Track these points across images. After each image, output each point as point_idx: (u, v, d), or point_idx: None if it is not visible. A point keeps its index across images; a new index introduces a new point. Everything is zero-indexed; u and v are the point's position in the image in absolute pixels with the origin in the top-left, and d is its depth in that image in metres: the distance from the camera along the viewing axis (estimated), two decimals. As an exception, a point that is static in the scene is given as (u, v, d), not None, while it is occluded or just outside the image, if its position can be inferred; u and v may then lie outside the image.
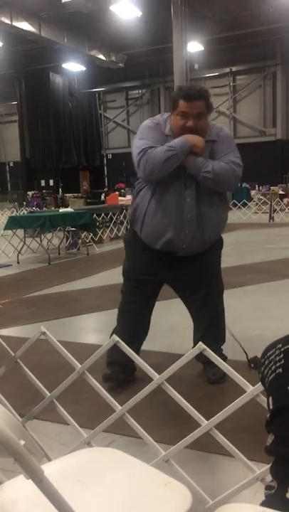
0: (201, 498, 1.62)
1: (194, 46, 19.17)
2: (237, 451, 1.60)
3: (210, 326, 2.98)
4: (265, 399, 1.22)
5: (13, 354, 1.99)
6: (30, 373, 1.98)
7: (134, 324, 2.97)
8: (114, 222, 11.30)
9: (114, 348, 1.86)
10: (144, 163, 2.59)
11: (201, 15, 17.90)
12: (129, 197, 14.60)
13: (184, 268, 2.84)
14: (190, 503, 1.07)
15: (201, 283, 2.92)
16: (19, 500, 1.12)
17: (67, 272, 7.24)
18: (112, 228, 11.15)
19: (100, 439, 2.13)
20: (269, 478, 0.95)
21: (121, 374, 2.85)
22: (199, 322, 3.03)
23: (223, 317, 3.09)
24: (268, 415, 0.92)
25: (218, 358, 1.63)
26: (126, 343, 1.80)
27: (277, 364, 0.92)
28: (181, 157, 2.55)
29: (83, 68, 24.25)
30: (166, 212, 2.67)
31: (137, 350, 2.72)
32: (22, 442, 0.77)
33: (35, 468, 0.79)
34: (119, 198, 12.88)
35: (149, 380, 1.76)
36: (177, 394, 1.68)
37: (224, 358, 2.82)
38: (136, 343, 2.83)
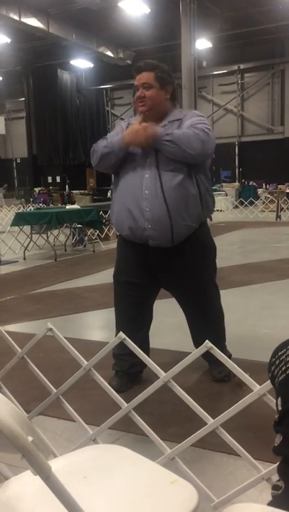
0: (206, 497, 1.62)
1: (202, 43, 19.09)
2: (243, 450, 1.59)
3: (208, 330, 2.90)
4: (272, 398, 1.21)
5: (19, 350, 1.99)
6: (36, 369, 1.99)
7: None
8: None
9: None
10: (91, 155, 2.74)
11: (209, 12, 17.82)
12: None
13: (170, 270, 2.78)
14: (196, 501, 1.06)
15: (193, 286, 2.85)
16: (25, 496, 1.12)
17: (73, 269, 7.26)
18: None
19: (106, 436, 2.13)
20: (276, 477, 0.94)
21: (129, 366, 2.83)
22: (196, 325, 3.02)
23: (220, 319, 3.05)
24: (276, 416, 0.91)
25: (224, 355, 1.63)
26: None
27: (288, 365, 0.91)
28: (118, 153, 2.62)
29: (91, 65, 24.24)
30: (126, 192, 2.66)
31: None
32: (30, 438, 0.77)
33: (42, 465, 0.79)
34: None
35: (155, 377, 1.76)
36: (183, 392, 1.67)
37: (229, 356, 2.80)
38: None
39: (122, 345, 1.86)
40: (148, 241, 2.67)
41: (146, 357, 1.74)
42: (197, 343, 2.90)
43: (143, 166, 2.62)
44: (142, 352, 1.78)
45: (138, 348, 1.79)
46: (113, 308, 4.12)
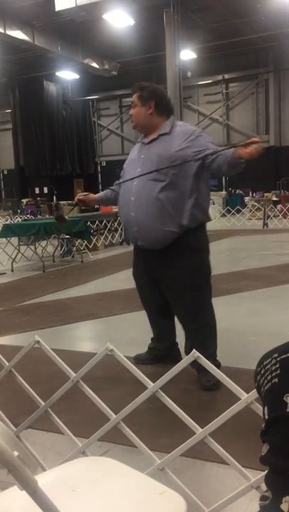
0: (196, 506, 1.62)
1: (187, 54, 19.31)
2: (232, 458, 1.60)
3: (197, 334, 3.03)
4: (260, 406, 1.22)
5: (7, 363, 1.98)
6: (24, 382, 1.97)
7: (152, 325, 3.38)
8: (109, 229, 11.31)
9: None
10: None
11: (193, 23, 18.04)
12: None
13: (162, 270, 3.01)
14: (184, 511, 1.06)
15: (181, 290, 2.97)
16: (13, 511, 1.11)
17: (61, 280, 7.23)
18: (106, 235, 11.15)
19: (95, 448, 2.12)
20: (264, 487, 0.95)
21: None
22: (185, 329, 3.11)
23: (210, 324, 3.08)
24: (263, 425, 0.92)
25: (212, 365, 1.63)
26: None
27: (273, 374, 0.91)
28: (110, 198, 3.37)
29: (77, 76, 24.36)
30: (121, 199, 3.08)
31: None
32: (16, 453, 0.77)
33: (28, 480, 0.79)
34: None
35: (144, 387, 1.76)
36: (171, 402, 1.68)
37: (217, 365, 2.87)
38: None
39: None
40: (137, 242, 3.01)
41: (134, 367, 1.74)
42: (185, 347, 3.04)
43: (133, 176, 2.94)
44: (128, 362, 1.78)
45: (125, 359, 1.79)
46: (102, 319, 4.14)
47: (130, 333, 4.34)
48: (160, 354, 3.32)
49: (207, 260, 3.04)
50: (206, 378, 2.83)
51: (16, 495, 1.14)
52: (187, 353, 2.94)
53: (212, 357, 2.96)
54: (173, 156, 2.82)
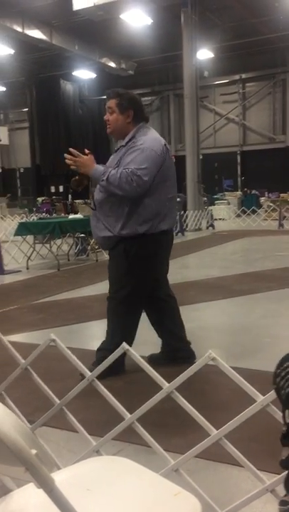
0: (210, 508, 1.61)
1: (204, 53, 19.23)
2: (247, 461, 1.59)
3: (109, 325, 3.29)
4: (276, 409, 1.20)
5: (22, 361, 1.99)
6: (39, 380, 1.99)
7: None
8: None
9: None
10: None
11: (211, 22, 17.97)
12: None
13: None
14: (200, 513, 1.06)
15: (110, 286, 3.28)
16: (29, 509, 1.12)
17: (76, 279, 7.26)
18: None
19: (109, 447, 2.12)
20: (280, 489, 0.94)
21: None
22: None
23: (117, 320, 3.25)
24: (284, 428, 0.90)
25: (228, 367, 1.62)
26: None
27: None
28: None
29: (93, 75, 24.42)
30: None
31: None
32: (33, 451, 0.77)
33: (46, 478, 0.79)
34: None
35: (158, 387, 1.75)
36: (187, 403, 1.67)
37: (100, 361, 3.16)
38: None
39: None
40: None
41: (149, 367, 1.74)
42: None
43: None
44: (144, 361, 1.78)
45: (140, 359, 1.79)
46: (116, 318, 4.10)
47: (144, 332, 4.32)
48: (171, 354, 3.40)
49: (135, 268, 3.11)
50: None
51: (32, 492, 1.15)
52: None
53: (108, 352, 3.02)
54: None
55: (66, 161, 3.11)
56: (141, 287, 3.20)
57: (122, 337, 3.09)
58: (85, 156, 3.06)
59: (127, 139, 3.11)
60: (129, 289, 3.16)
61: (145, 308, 3.40)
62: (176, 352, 3.39)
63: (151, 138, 3.08)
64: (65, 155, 3.11)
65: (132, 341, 3.15)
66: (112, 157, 3.24)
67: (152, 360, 3.27)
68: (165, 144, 3.11)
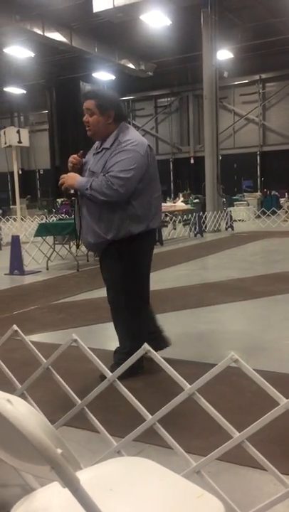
0: (232, 511, 1.59)
1: (224, 54, 19.15)
2: (269, 464, 1.57)
3: (118, 333, 3.31)
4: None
5: (44, 361, 2.01)
6: (61, 380, 2.00)
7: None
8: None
9: None
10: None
11: (230, 22, 17.89)
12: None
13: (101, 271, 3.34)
14: (223, 516, 1.05)
15: (108, 291, 3.32)
16: (52, 508, 1.12)
17: (95, 279, 7.27)
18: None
19: (129, 447, 2.12)
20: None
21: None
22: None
23: (126, 327, 3.27)
24: None
25: (250, 369, 1.61)
26: None
27: None
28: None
29: (113, 77, 24.52)
30: (77, 207, 3.26)
31: None
32: (59, 451, 0.77)
33: (71, 477, 0.79)
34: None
35: (179, 389, 1.75)
36: (209, 405, 1.66)
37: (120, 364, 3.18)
38: None
39: None
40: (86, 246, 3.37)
41: (171, 368, 1.73)
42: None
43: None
44: (165, 362, 1.78)
45: (162, 360, 1.79)
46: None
47: (164, 333, 4.33)
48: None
49: (128, 268, 3.16)
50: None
51: (55, 492, 1.15)
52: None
53: (125, 354, 3.02)
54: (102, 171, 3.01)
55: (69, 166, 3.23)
56: (138, 288, 3.24)
57: (133, 339, 3.15)
58: (66, 174, 3.15)
59: (110, 140, 3.06)
60: (127, 293, 3.18)
61: None
62: (154, 340, 3.33)
63: (135, 138, 3.05)
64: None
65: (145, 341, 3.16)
66: (93, 159, 3.17)
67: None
68: (148, 145, 3.14)
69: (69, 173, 3.15)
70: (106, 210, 3.02)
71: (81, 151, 3.29)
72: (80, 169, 3.23)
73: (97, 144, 3.21)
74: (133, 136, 3.05)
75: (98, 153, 3.11)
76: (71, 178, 3.09)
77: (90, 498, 0.82)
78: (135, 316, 3.25)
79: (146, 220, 3.09)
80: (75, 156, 3.23)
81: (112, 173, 2.93)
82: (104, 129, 3.06)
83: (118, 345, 3.32)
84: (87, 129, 3.09)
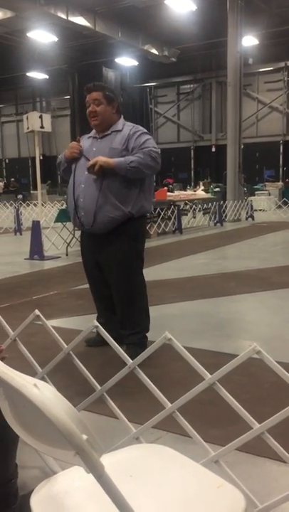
0: (249, 502, 1.59)
1: (249, 40, 18.79)
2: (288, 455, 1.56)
3: (129, 312, 3.36)
4: None
5: (65, 346, 2.02)
6: (81, 365, 2.01)
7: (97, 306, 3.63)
8: (162, 217, 11.30)
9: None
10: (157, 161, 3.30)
11: (257, 8, 17.51)
12: (177, 192, 14.55)
13: (103, 253, 3.34)
14: (244, 507, 1.05)
15: (113, 267, 3.33)
16: (73, 492, 1.13)
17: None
18: (159, 223, 11.15)
19: (147, 434, 2.13)
20: None
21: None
22: (118, 308, 3.41)
23: (141, 304, 3.41)
24: None
25: (273, 360, 1.59)
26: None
27: None
28: (64, 164, 3.44)
29: (136, 63, 24.32)
30: (70, 188, 3.35)
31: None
32: (84, 437, 0.78)
33: (96, 463, 0.80)
34: (168, 193, 12.85)
35: (199, 378, 1.74)
36: (229, 395, 1.65)
37: (145, 342, 3.33)
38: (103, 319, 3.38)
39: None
40: (83, 226, 3.32)
41: (192, 358, 1.73)
42: (120, 324, 3.41)
43: (84, 166, 3.24)
44: (186, 351, 1.77)
45: (183, 348, 1.78)
46: (154, 307, 4.17)
47: (182, 322, 4.33)
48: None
49: (141, 247, 3.41)
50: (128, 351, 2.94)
51: (75, 476, 1.17)
52: (120, 330, 3.35)
53: (142, 333, 3.38)
54: (123, 151, 3.20)
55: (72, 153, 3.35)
56: (142, 267, 3.45)
57: (147, 318, 3.43)
58: (97, 159, 3.18)
59: (119, 125, 3.32)
60: (140, 272, 3.40)
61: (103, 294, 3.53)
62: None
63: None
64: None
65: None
66: (98, 142, 3.34)
67: (90, 342, 3.47)
68: None
69: (97, 158, 3.20)
70: (124, 185, 3.20)
71: (78, 137, 3.50)
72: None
73: (92, 133, 3.43)
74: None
75: (107, 135, 3.32)
76: (103, 160, 3.16)
77: (114, 485, 0.83)
78: (146, 295, 3.47)
79: (151, 199, 3.42)
80: (77, 144, 3.42)
81: (148, 148, 3.18)
82: (109, 117, 3.30)
83: (123, 329, 3.39)
84: (93, 118, 3.30)
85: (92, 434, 0.80)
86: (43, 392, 0.80)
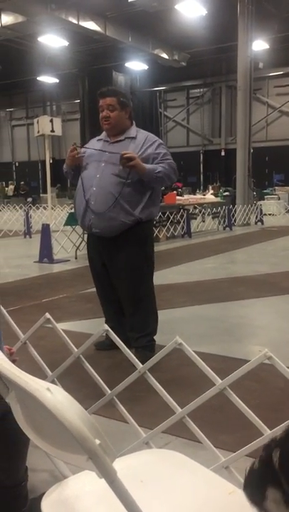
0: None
1: (259, 44, 18.79)
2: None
3: (137, 315, 3.39)
4: None
5: (75, 349, 2.02)
6: (91, 369, 2.01)
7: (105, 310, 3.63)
8: (171, 221, 11.28)
9: None
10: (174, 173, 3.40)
11: (267, 13, 17.50)
12: (186, 196, 14.54)
13: (111, 257, 3.36)
14: (255, 515, 1.04)
15: (121, 271, 3.34)
16: (83, 496, 1.13)
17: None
18: (168, 227, 11.14)
19: (157, 439, 2.13)
20: None
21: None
22: (127, 311, 3.44)
23: (149, 307, 3.44)
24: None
25: (285, 367, 1.59)
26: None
27: None
28: (70, 171, 3.46)
29: (145, 67, 24.38)
30: (79, 190, 3.36)
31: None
32: (97, 441, 0.77)
33: (108, 469, 0.79)
34: (177, 197, 12.85)
35: (209, 383, 1.73)
36: (240, 401, 1.65)
37: (153, 345, 3.38)
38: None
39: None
40: (92, 229, 3.33)
41: (202, 362, 1.72)
42: (129, 327, 3.43)
43: (96, 169, 3.28)
44: (197, 356, 1.77)
45: (193, 353, 1.78)
46: (163, 311, 4.16)
47: (191, 326, 4.32)
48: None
49: (150, 251, 3.45)
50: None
51: (86, 480, 1.16)
52: (129, 332, 3.37)
53: (150, 336, 3.41)
54: (139, 157, 3.19)
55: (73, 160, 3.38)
56: (152, 270, 3.51)
57: (155, 322, 3.47)
58: (137, 156, 3.21)
59: (133, 132, 3.36)
60: (151, 275, 3.46)
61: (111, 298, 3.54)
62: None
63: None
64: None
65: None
66: (111, 146, 3.33)
67: (99, 346, 3.47)
68: None
69: (135, 155, 3.22)
70: (135, 191, 3.24)
71: (73, 145, 3.50)
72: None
73: (103, 136, 3.43)
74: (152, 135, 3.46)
75: (120, 141, 3.34)
76: (139, 163, 3.20)
77: (127, 491, 0.82)
78: (155, 298, 3.50)
79: (159, 205, 3.50)
80: (73, 150, 3.44)
81: (170, 161, 3.29)
82: (122, 123, 3.34)
83: (131, 332, 3.41)
84: (106, 123, 3.32)
85: (105, 438, 0.81)
86: (55, 396, 0.80)
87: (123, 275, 3.35)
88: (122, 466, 1.23)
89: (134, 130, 3.38)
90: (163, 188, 3.56)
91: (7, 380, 1.04)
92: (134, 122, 3.43)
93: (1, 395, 1.16)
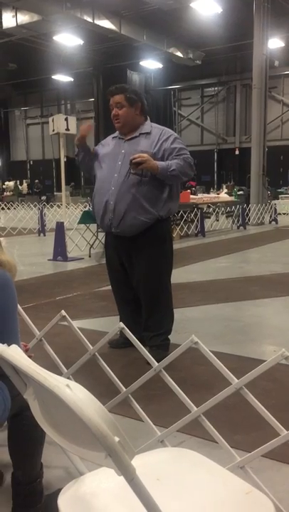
0: (276, 509, 1.57)
1: (275, 42, 18.64)
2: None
3: (151, 314, 3.35)
4: None
5: (91, 347, 2.03)
6: (106, 367, 2.01)
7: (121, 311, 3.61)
8: (185, 220, 11.25)
9: None
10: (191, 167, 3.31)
11: (283, 10, 17.37)
12: (200, 195, 14.49)
13: (131, 256, 3.32)
14: (273, 515, 1.03)
15: (142, 269, 3.30)
16: (100, 493, 1.13)
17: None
18: (182, 226, 11.12)
19: (171, 437, 2.12)
20: None
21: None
22: (142, 308, 3.40)
23: (167, 305, 3.41)
24: None
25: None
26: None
27: None
28: (81, 152, 3.50)
29: (160, 66, 24.36)
30: (99, 189, 3.33)
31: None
32: (117, 439, 0.77)
33: (128, 466, 0.79)
34: (191, 196, 12.81)
35: (225, 382, 1.72)
36: (256, 401, 1.63)
37: (168, 343, 3.36)
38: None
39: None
40: (111, 229, 3.28)
41: (218, 361, 1.71)
42: (144, 326, 3.40)
43: (113, 168, 3.25)
44: (213, 356, 1.76)
45: (210, 353, 1.77)
46: (180, 309, 4.14)
47: (205, 325, 4.31)
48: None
49: (170, 248, 3.40)
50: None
51: (102, 477, 1.17)
52: (144, 332, 3.35)
53: (165, 335, 3.38)
54: (155, 154, 3.17)
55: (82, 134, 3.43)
56: (171, 268, 3.46)
57: (172, 321, 3.45)
58: (147, 157, 3.14)
59: (147, 127, 3.29)
60: (169, 274, 3.40)
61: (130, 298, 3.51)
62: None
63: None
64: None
65: None
66: (126, 144, 3.28)
67: (113, 344, 3.47)
68: None
69: (146, 159, 3.15)
70: (154, 189, 3.20)
71: (86, 125, 3.55)
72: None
73: (118, 134, 3.38)
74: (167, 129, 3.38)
75: (135, 137, 3.28)
76: (150, 161, 3.14)
77: (145, 489, 0.82)
78: (172, 298, 3.47)
79: (178, 201, 3.42)
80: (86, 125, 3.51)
81: (186, 155, 3.20)
82: (133, 120, 3.27)
83: (147, 331, 3.39)
84: (116, 121, 3.28)
85: (124, 436, 0.80)
86: (75, 393, 0.80)
87: (142, 275, 3.31)
88: (139, 463, 1.22)
89: (148, 125, 3.31)
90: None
91: (25, 376, 1.04)
92: (148, 117, 3.37)
93: (19, 391, 1.17)
